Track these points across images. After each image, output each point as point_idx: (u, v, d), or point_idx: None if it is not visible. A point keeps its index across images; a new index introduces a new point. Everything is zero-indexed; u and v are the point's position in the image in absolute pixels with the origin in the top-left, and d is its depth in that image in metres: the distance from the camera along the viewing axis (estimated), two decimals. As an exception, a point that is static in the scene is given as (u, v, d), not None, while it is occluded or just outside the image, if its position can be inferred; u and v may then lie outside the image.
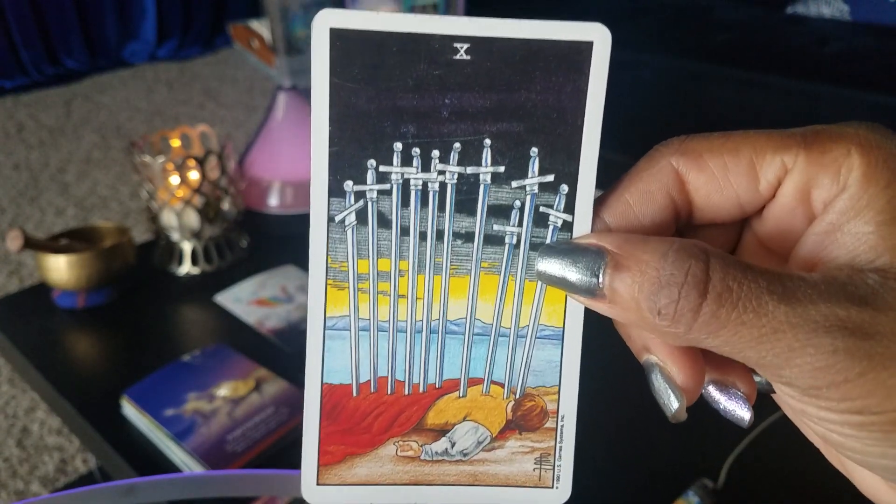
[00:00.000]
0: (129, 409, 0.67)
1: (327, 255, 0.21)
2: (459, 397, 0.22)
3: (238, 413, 0.65)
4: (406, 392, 0.22)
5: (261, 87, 3.04)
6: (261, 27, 1.05)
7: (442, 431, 0.22)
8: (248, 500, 0.54)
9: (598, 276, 0.18)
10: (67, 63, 3.14)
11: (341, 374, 0.22)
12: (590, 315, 0.21)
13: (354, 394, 0.22)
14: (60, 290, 0.84)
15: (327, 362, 0.22)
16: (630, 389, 0.71)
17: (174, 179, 0.86)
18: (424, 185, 0.21)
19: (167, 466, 0.62)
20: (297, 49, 0.98)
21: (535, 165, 0.20)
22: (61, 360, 0.78)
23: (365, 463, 0.22)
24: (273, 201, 0.99)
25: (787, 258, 0.20)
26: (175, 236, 0.89)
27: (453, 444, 0.22)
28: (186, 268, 0.90)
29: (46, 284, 0.85)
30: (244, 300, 0.84)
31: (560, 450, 0.23)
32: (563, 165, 0.20)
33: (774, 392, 0.21)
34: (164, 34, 3.39)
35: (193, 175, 0.86)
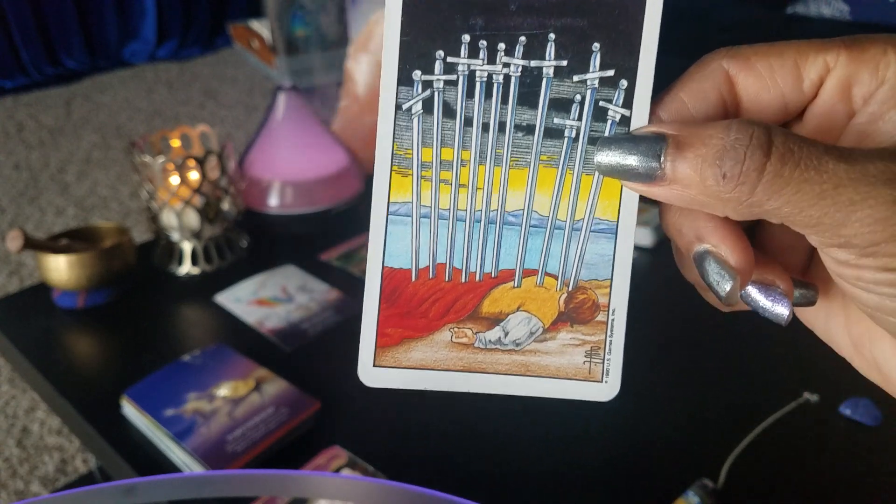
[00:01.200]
0: (129, 409, 0.67)
1: (393, 141, 0.22)
2: (514, 287, 0.23)
3: (238, 413, 0.65)
4: (463, 279, 0.23)
5: (261, 87, 3.04)
6: (261, 27, 1.05)
7: (496, 320, 0.23)
8: (248, 500, 0.54)
9: (659, 159, 0.19)
10: (67, 63, 3.14)
11: (401, 259, 0.22)
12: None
13: (413, 279, 0.22)
14: (60, 290, 0.84)
15: (389, 246, 0.22)
16: (630, 389, 0.71)
17: (174, 179, 0.86)
18: (489, 76, 0.21)
19: (167, 466, 0.62)
20: (297, 49, 0.98)
21: (596, 60, 0.21)
22: (61, 360, 0.78)
23: (421, 347, 0.23)
24: (273, 201, 0.99)
25: None
26: (175, 236, 0.89)
27: (506, 334, 0.23)
28: (186, 268, 0.90)
29: (46, 284, 0.85)
30: (244, 300, 0.84)
31: (610, 343, 0.23)
32: (624, 61, 0.21)
33: (812, 304, 0.22)
34: (164, 34, 3.39)
35: (193, 175, 0.86)
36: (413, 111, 0.21)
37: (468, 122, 0.21)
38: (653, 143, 0.20)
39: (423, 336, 0.23)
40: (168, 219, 0.88)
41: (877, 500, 0.58)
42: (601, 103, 0.21)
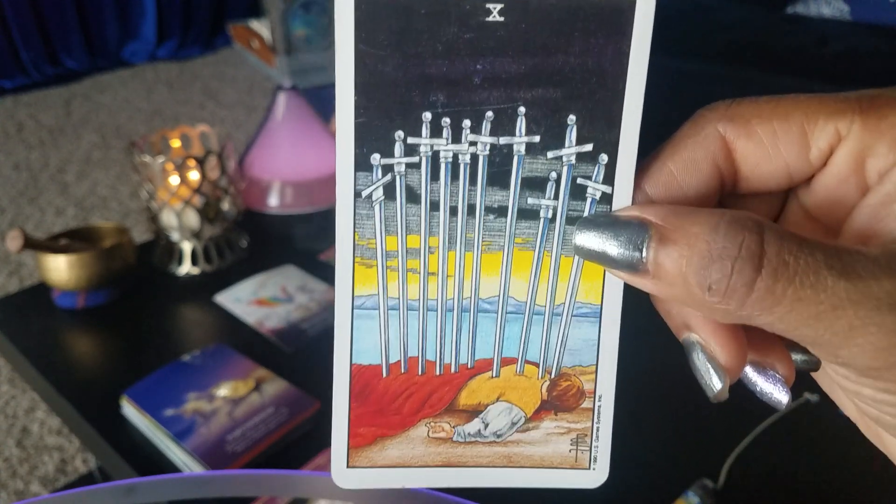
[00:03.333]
0: (129, 409, 0.66)
1: (354, 231, 0.20)
2: (492, 377, 0.21)
3: (238, 413, 0.65)
4: (437, 372, 0.21)
5: (261, 87, 3.04)
6: (261, 27, 1.05)
7: (475, 412, 0.22)
8: (248, 500, 0.54)
9: (641, 251, 0.18)
10: (67, 63, 3.14)
11: (371, 355, 0.21)
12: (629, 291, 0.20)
13: (384, 374, 0.21)
14: (60, 290, 0.84)
15: (356, 342, 0.21)
16: (630, 389, 0.71)
17: (174, 179, 0.86)
18: (455, 157, 0.19)
19: (167, 466, 0.62)
20: (297, 49, 0.98)
21: (572, 134, 0.19)
22: (61, 360, 0.78)
23: (396, 445, 0.22)
24: (273, 201, 0.99)
25: (836, 230, 0.19)
26: (175, 236, 0.89)
27: (486, 425, 0.22)
28: (186, 268, 0.90)
29: (46, 284, 0.85)
30: (244, 300, 0.84)
31: (597, 430, 0.22)
32: (603, 133, 0.19)
33: (815, 370, 0.21)
34: (164, 34, 3.39)
35: (193, 175, 0.86)
36: (374, 198, 0.20)
37: (434, 206, 0.20)
38: (636, 232, 0.18)
39: (397, 433, 0.21)
40: (168, 219, 0.88)
41: (877, 500, 0.58)
42: (579, 180, 0.20)
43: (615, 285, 0.21)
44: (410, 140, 0.19)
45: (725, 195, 0.20)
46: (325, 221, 0.99)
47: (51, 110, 2.86)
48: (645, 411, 0.67)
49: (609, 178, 0.20)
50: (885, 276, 0.16)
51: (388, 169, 0.19)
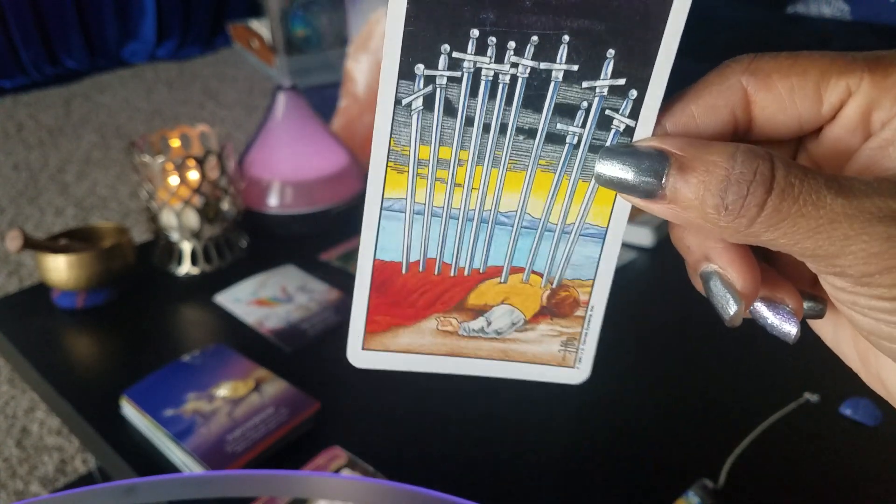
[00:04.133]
0: (129, 410, 0.66)
1: (391, 136, 0.21)
2: (500, 282, 0.23)
3: (238, 413, 0.65)
4: (452, 274, 0.23)
5: (261, 87, 3.04)
6: (261, 27, 1.05)
7: (481, 312, 0.24)
8: (248, 500, 0.54)
9: (661, 178, 0.19)
10: (67, 63, 3.14)
11: (393, 252, 0.23)
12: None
13: (404, 271, 0.23)
14: (60, 290, 0.84)
15: (381, 240, 0.22)
16: (630, 389, 0.71)
17: (174, 179, 0.86)
18: (496, 76, 0.20)
19: (167, 466, 0.62)
20: (297, 49, 0.98)
21: (609, 67, 0.20)
22: (61, 360, 0.77)
23: (408, 333, 0.24)
24: (273, 201, 0.99)
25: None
26: (175, 236, 0.89)
27: (489, 323, 0.24)
28: (186, 268, 0.90)
29: (46, 284, 0.85)
30: (244, 300, 0.84)
31: (585, 335, 0.24)
32: (637, 70, 0.20)
33: (820, 317, 0.22)
34: (163, 34, 3.39)
35: (193, 175, 0.86)
36: (413, 107, 0.21)
37: (469, 121, 0.21)
38: (655, 161, 0.19)
39: (410, 323, 0.23)
40: (168, 219, 0.88)
41: (877, 500, 0.58)
42: (607, 111, 0.21)
43: (623, 210, 0.22)
44: (455, 54, 0.20)
45: (736, 140, 0.21)
46: (325, 221, 0.99)
47: (51, 110, 2.86)
48: (645, 412, 0.67)
49: (635, 113, 0.21)
50: (876, 195, 0.18)
51: (430, 80, 0.20)
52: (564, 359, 0.24)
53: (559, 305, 0.24)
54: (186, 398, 0.66)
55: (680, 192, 0.19)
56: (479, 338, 0.24)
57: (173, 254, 0.90)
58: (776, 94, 0.20)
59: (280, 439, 0.63)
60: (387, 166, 0.21)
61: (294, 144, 1.01)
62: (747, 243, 0.19)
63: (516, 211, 0.22)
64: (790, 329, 0.21)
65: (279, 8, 0.94)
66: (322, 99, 1.32)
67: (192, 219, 0.88)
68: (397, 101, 0.20)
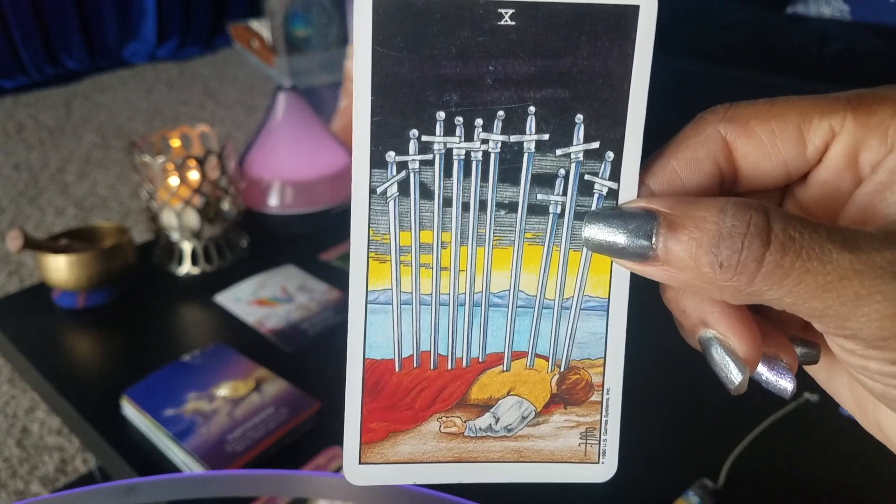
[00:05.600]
0: (129, 409, 0.66)
1: (369, 227, 0.21)
2: (503, 371, 0.22)
3: (238, 413, 0.65)
4: (449, 367, 0.22)
5: (261, 87, 3.04)
6: (261, 27, 1.05)
7: (486, 407, 0.22)
8: (248, 500, 0.54)
9: (651, 238, 0.18)
10: (67, 63, 3.14)
11: (384, 349, 0.21)
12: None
13: (397, 369, 0.21)
14: (60, 290, 0.84)
15: (369, 336, 0.21)
16: (630, 390, 0.71)
17: (174, 179, 0.86)
18: (467, 154, 0.20)
19: (167, 466, 0.62)
20: (297, 49, 0.98)
21: (580, 132, 0.20)
22: (61, 360, 0.78)
23: (408, 440, 0.22)
24: (273, 201, 0.99)
25: (833, 222, 0.19)
26: (175, 236, 0.89)
27: (497, 420, 0.22)
28: (186, 268, 0.90)
29: (46, 284, 0.85)
30: (244, 300, 0.84)
31: (606, 424, 0.22)
32: (609, 132, 0.20)
33: (814, 363, 0.21)
34: (164, 34, 3.39)
35: (193, 175, 0.86)
36: (388, 194, 0.20)
37: (447, 202, 0.20)
38: (644, 221, 0.18)
39: (409, 428, 0.22)
40: (168, 219, 0.88)
41: (877, 500, 0.58)
42: (587, 177, 0.20)
43: (622, 278, 0.21)
44: (425, 138, 0.20)
45: (725, 193, 0.20)
46: (325, 221, 0.99)
47: (51, 110, 2.86)
48: (645, 412, 0.67)
49: (615, 175, 0.20)
50: (885, 248, 0.16)
51: (402, 166, 0.20)
52: (587, 454, 0.23)
53: (571, 391, 0.22)
54: (187, 398, 0.67)
55: (672, 251, 0.18)
56: (487, 437, 0.22)
57: (173, 254, 0.91)
58: (757, 140, 0.19)
59: (280, 439, 0.63)
60: (368, 257, 0.21)
61: (294, 144, 1.01)
62: (750, 303, 0.18)
63: (509, 289, 0.21)
64: (786, 385, 0.20)
65: (279, 8, 0.94)
66: (322, 99, 1.33)
67: (193, 219, 0.88)
68: (372, 191, 0.20)
